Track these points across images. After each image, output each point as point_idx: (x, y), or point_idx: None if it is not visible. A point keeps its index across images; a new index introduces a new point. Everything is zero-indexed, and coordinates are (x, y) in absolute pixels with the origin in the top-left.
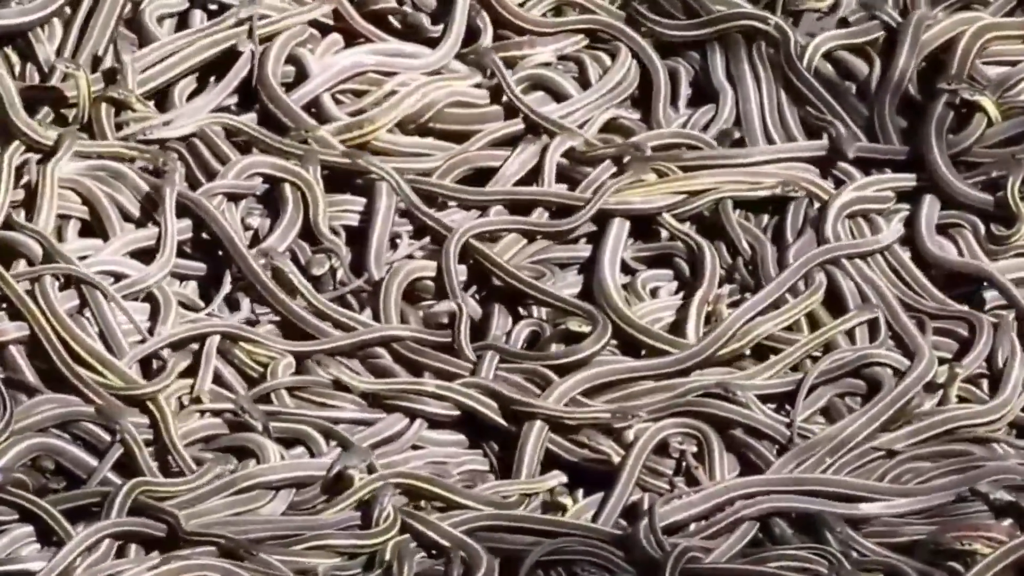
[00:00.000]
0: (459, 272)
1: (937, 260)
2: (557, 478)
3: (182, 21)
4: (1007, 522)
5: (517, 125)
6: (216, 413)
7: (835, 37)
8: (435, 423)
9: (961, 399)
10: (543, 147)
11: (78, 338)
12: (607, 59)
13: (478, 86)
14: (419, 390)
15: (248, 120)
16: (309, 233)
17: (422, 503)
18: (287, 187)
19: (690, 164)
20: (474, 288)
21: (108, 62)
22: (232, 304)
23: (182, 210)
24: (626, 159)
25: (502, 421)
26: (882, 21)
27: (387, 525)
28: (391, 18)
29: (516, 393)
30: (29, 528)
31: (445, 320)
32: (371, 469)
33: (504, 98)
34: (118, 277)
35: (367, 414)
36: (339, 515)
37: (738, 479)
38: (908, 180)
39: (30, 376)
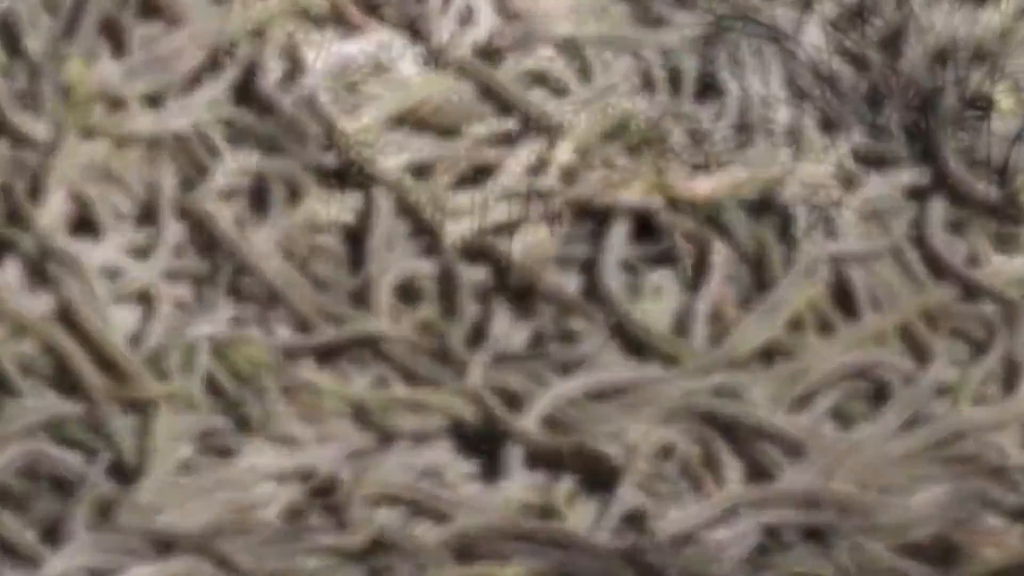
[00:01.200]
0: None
1: (940, 261)
2: (563, 487)
3: None
4: (1020, 527)
5: (512, 124)
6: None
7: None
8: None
9: (972, 401)
10: (546, 140)
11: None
12: (610, 54)
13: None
14: (399, 399)
15: (242, 116)
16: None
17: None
18: (274, 185)
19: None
20: (474, 288)
21: (103, 56)
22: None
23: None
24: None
25: (489, 429)
26: (878, 20)
27: (359, 525)
28: (388, 9)
29: (499, 406)
30: None
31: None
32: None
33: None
34: (112, 276)
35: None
36: (319, 518)
37: (745, 487)
38: (919, 177)
39: (16, 377)
